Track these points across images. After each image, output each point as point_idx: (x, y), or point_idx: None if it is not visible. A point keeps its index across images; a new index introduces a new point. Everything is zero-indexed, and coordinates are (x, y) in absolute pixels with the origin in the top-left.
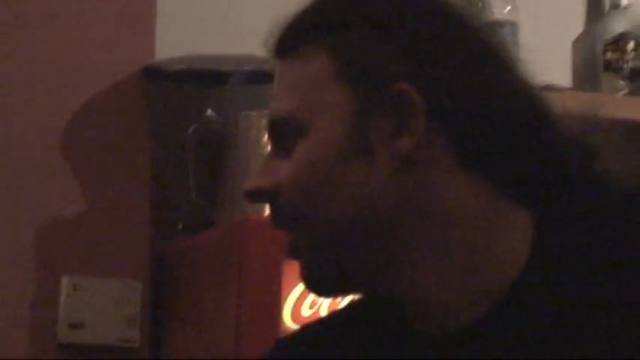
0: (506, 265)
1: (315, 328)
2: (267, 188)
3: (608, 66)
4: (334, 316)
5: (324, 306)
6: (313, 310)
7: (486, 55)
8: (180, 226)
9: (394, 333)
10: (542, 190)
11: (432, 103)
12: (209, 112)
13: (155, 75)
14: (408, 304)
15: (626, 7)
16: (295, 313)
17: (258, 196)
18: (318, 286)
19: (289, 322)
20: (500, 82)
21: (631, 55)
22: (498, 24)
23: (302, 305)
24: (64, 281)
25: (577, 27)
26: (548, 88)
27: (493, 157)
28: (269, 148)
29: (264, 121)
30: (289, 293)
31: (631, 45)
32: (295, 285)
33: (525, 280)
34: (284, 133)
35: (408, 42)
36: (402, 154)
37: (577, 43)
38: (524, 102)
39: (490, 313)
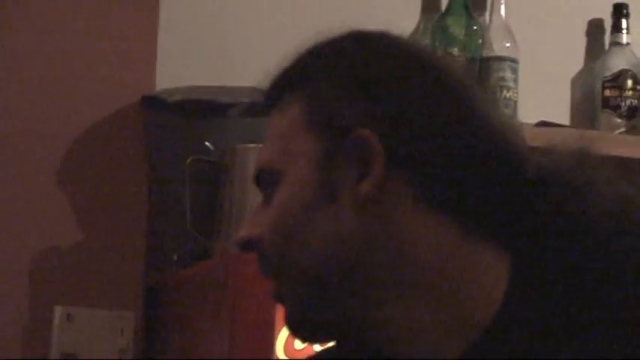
0: (480, 303)
1: None
2: (254, 237)
3: (607, 103)
4: (323, 355)
5: None
6: (306, 344)
7: (451, 97)
8: (175, 257)
9: None
10: (515, 229)
11: (392, 147)
12: (207, 143)
13: (154, 105)
14: (384, 346)
15: (625, 45)
16: (288, 347)
17: (246, 245)
18: (301, 331)
19: (282, 356)
20: (464, 122)
21: (629, 92)
22: (498, 60)
23: (295, 339)
24: (57, 311)
25: (577, 64)
26: (545, 124)
27: (458, 197)
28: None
29: None
30: (283, 326)
31: (629, 83)
32: None
33: (501, 319)
34: (266, 182)
35: (370, 89)
36: (364, 198)
37: (576, 80)
38: (491, 141)
39: (467, 351)
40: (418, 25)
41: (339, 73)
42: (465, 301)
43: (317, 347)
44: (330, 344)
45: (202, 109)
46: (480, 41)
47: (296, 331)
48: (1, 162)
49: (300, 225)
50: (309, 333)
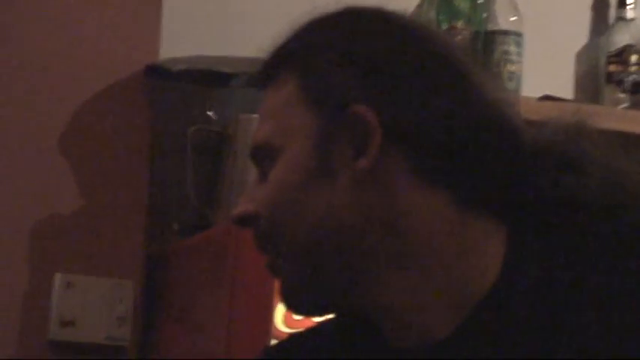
0: (477, 277)
1: (300, 340)
2: (250, 213)
3: (611, 78)
4: (321, 327)
5: None
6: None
7: (446, 71)
8: (176, 226)
9: (372, 349)
10: (511, 202)
11: (389, 123)
12: (210, 113)
13: (157, 74)
14: (381, 320)
15: (630, 20)
16: (287, 317)
17: (242, 221)
18: (295, 305)
19: (281, 326)
20: (460, 97)
21: (633, 68)
22: (503, 34)
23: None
24: (57, 279)
25: (581, 39)
26: (549, 98)
27: (454, 171)
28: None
29: None
30: None
31: (634, 58)
32: None
33: (498, 292)
34: (263, 158)
35: (366, 65)
36: (361, 174)
37: (581, 55)
38: (486, 115)
39: (463, 325)
40: None
41: (336, 49)
42: (461, 273)
43: (316, 319)
44: (329, 316)
45: (206, 79)
46: (485, 15)
47: (291, 305)
48: (3, 130)
49: (296, 200)
50: (304, 306)
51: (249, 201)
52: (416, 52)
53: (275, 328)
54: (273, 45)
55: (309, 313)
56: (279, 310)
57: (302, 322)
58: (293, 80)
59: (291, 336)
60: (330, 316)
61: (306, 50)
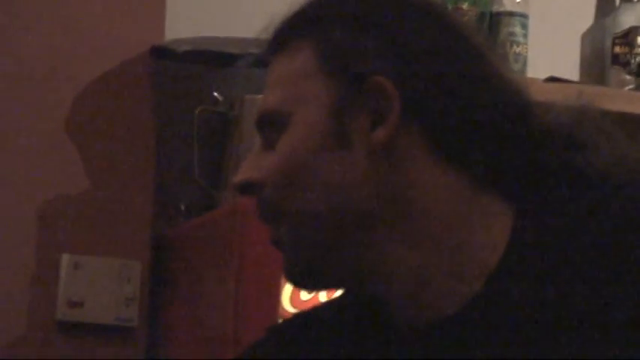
0: (485, 255)
1: (306, 318)
2: (254, 181)
3: (616, 60)
4: (327, 306)
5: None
6: (312, 294)
7: (464, 48)
8: (183, 207)
9: (378, 327)
10: (521, 180)
11: (408, 96)
12: (215, 94)
13: (163, 55)
14: (389, 297)
15: (637, 2)
16: (294, 298)
17: (245, 188)
18: (299, 279)
19: (288, 306)
20: (477, 75)
21: (639, 49)
22: (508, 15)
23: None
24: (65, 259)
25: (587, 20)
26: (554, 80)
27: (469, 148)
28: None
29: None
30: None
31: (639, 40)
32: None
33: (503, 270)
34: (270, 126)
35: (386, 37)
36: (377, 146)
37: (586, 36)
38: (502, 94)
39: (470, 302)
40: None
41: (355, 19)
42: (470, 249)
43: (323, 298)
44: (336, 294)
45: (211, 60)
46: None
47: (293, 278)
48: (10, 112)
49: (307, 170)
50: (308, 280)
51: (253, 169)
52: (436, 28)
53: (282, 308)
54: (284, 14)
55: (313, 287)
56: (287, 291)
57: (309, 303)
58: (309, 48)
59: (297, 315)
60: (337, 293)
61: (323, 19)
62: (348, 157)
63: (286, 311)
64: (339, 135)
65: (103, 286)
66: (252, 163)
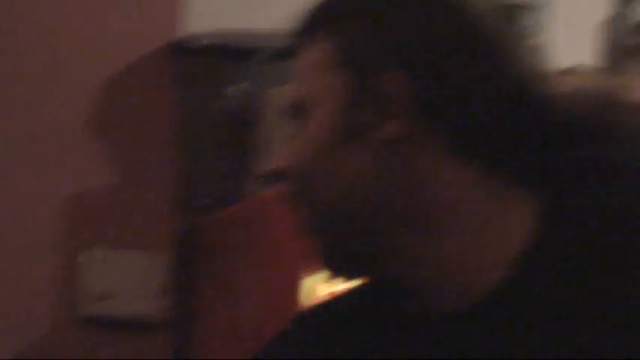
0: (505, 244)
1: (332, 305)
2: (282, 169)
3: (634, 50)
4: (348, 296)
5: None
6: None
7: (479, 41)
8: (209, 200)
9: (402, 316)
10: (541, 171)
11: (420, 91)
12: (236, 87)
13: (182, 50)
14: (412, 287)
15: None
16: (315, 291)
17: (274, 177)
18: (331, 264)
19: (313, 297)
20: (492, 67)
21: None
22: (527, 6)
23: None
24: (93, 253)
25: (605, 10)
26: (572, 69)
27: (484, 142)
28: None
29: None
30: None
31: None
32: None
33: (527, 260)
34: (296, 115)
35: (401, 32)
36: (390, 140)
37: (604, 26)
38: (517, 87)
39: (490, 294)
40: None
41: (372, 15)
42: (489, 242)
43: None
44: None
45: (232, 54)
46: None
47: (327, 263)
48: (34, 107)
49: (324, 160)
50: (339, 266)
51: (282, 157)
52: (451, 23)
53: (308, 298)
54: (310, 7)
55: (343, 273)
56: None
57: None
58: (327, 42)
59: (319, 304)
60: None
61: (343, 14)
62: (361, 151)
63: (318, 300)
64: (352, 128)
65: (130, 280)
66: (283, 151)
